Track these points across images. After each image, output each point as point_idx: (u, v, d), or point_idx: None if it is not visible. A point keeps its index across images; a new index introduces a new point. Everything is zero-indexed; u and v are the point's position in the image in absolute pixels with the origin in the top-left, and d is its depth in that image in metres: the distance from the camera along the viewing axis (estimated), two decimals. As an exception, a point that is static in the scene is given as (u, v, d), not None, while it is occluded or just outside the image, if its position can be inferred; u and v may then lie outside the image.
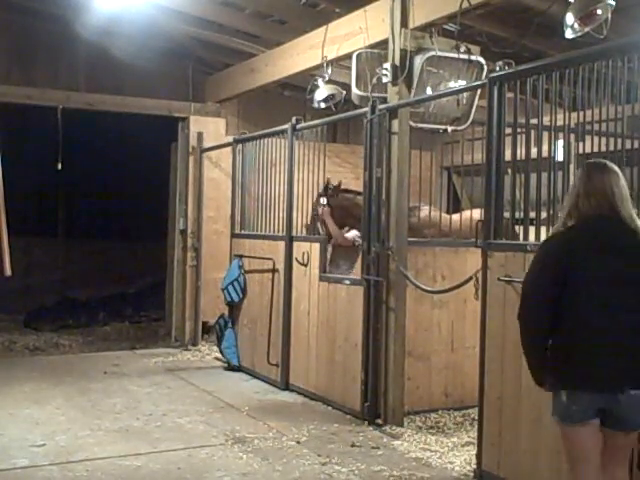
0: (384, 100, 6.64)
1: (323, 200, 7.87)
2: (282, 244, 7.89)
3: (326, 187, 7.97)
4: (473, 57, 6.69)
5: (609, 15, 5.31)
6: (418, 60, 6.48)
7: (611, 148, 4.62)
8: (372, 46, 7.01)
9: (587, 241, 3.55)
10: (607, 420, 3.56)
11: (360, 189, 7.22)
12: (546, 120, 5.07)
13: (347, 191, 8.17)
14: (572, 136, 5.28)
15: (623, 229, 3.55)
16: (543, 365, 3.66)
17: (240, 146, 9.00)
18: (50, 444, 5.81)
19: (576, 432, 3.58)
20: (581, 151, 4.92)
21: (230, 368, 8.69)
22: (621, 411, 3.51)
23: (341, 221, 8.03)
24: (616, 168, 3.63)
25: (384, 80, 6.65)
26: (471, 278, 5.69)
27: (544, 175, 5.02)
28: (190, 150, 10.25)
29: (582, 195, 3.61)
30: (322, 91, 7.88)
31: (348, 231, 7.97)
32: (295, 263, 7.70)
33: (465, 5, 5.89)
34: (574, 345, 3.54)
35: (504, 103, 5.21)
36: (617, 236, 3.57)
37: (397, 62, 6.48)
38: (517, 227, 5.65)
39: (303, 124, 7.88)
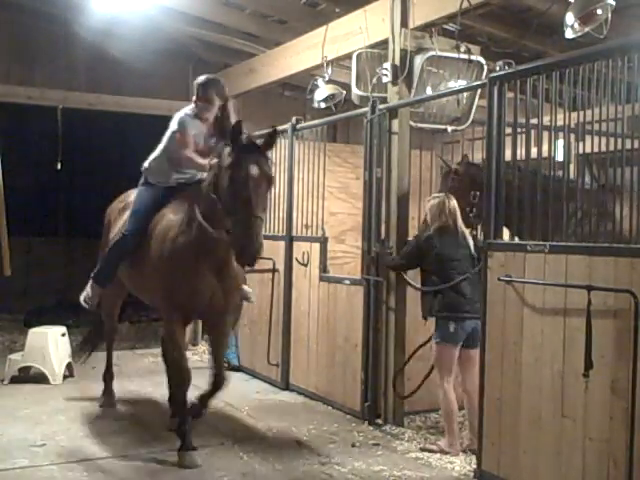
0: (384, 100, 6.65)
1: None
2: (282, 244, 7.89)
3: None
4: (473, 57, 6.69)
5: (609, 15, 5.32)
6: (418, 60, 6.49)
7: (611, 148, 4.63)
8: (372, 46, 7.01)
9: None
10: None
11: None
12: (546, 120, 5.07)
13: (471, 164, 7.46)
14: (572, 136, 5.28)
15: None
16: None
17: (240, 146, 8.96)
18: (50, 444, 5.82)
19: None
20: (581, 151, 4.93)
21: (230, 368, 8.66)
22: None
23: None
24: None
25: (384, 80, 6.65)
26: (466, 278, 5.71)
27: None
28: (190, 150, 10.22)
29: None
30: (322, 91, 7.88)
31: (475, 197, 6.92)
32: (295, 263, 7.70)
33: (465, 5, 5.90)
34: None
35: (504, 103, 5.21)
36: None
37: (397, 62, 6.49)
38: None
39: (303, 124, 7.88)
